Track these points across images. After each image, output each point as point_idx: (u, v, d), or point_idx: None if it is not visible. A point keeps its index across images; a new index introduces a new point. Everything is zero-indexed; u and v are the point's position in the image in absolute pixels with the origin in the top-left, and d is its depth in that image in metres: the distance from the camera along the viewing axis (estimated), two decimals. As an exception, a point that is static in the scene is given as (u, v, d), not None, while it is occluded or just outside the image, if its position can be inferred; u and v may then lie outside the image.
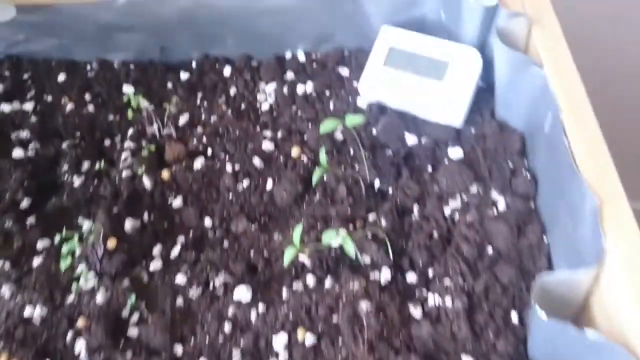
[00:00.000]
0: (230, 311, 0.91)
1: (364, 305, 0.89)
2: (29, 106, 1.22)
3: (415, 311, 0.90)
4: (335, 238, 0.88)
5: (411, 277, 0.95)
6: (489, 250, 0.95)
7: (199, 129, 1.17)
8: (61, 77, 1.27)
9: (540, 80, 0.96)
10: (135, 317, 0.92)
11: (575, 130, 0.88)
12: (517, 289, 0.91)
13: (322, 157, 0.98)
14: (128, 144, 1.15)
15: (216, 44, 1.26)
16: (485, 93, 1.13)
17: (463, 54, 1.08)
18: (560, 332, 0.74)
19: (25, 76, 1.27)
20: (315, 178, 0.99)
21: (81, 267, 0.96)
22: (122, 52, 1.27)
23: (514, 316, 0.89)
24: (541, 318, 0.73)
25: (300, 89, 1.21)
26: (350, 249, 0.88)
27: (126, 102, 1.16)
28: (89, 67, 1.29)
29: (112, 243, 1.00)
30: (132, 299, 0.92)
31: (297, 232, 0.88)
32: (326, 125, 0.97)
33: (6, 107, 1.21)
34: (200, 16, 1.19)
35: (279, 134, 1.14)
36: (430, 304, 0.91)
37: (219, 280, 0.95)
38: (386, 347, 0.85)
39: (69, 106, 1.23)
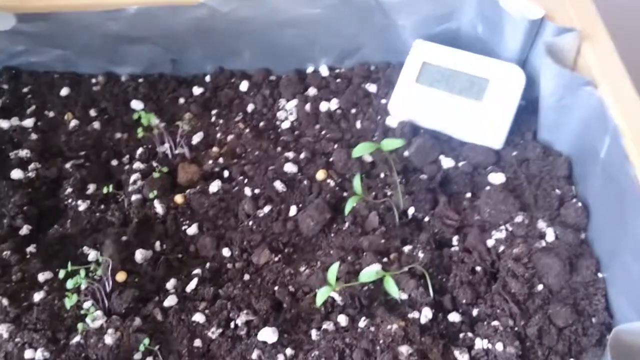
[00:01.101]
0: (255, 355, 0.82)
1: (404, 350, 0.80)
2: (29, 122, 1.13)
3: (461, 357, 0.81)
4: (374, 277, 0.79)
5: (454, 317, 0.86)
6: (539, 287, 0.86)
7: (215, 149, 1.08)
8: (64, 91, 1.17)
9: (594, 101, 0.88)
10: (148, 361, 0.83)
11: (638, 156, 0.80)
12: (574, 332, 0.83)
13: (357, 184, 0.89)
14: (137, 165, 1.06)
15: (232, 57, 1.17)
16: (524, 112, 1.05)
17: (504, 72, 1.00)
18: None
19: (25, 90, 1.18)
20: (348, 207, 0.90)
21: (87, 304, 0.87)
22: (130, 64, 1.18)
23: (572, 363, 0.80)
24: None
25: (323, 106, 1.13)
26: (393, 291, 0.79)
27: (135, 120, 1.07)
28: (94, 80, 1.19)
29: (121, 276, 0.91)
30: (145, 342, 0.82)
31: (333, 270, 0.79)
32: (360, 149, 0.88)
33: (4, 124, 1.12)
34: (215, 27, 1.10)
35: (302, 155, 1.05)
36: (478, 349, 0.82)
37: (240, 319, 0.85)
38: (432, 399, 0.76)
39: (73, 123, 1.13)
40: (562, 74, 0.90)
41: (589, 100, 0.89)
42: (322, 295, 0.80)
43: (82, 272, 0.84)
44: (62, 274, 0.85)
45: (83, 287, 0.87)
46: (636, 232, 0.77)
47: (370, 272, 0.79)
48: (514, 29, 0.98)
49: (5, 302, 0.88)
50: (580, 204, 0.92)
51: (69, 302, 0.83)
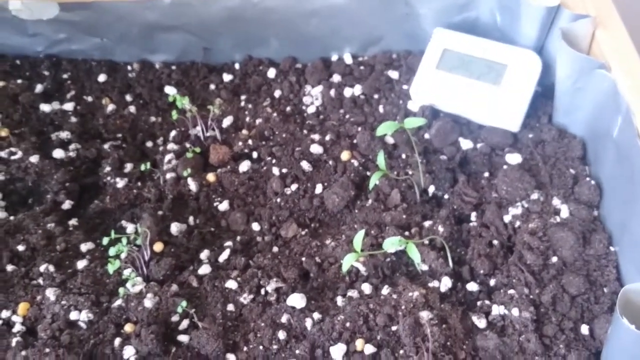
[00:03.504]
0: (284, 318, 0.87)
1: (425, 315, 0.84)
2: (69, 106, 1.20)
3: (479, 322, 0.86)
4: (398, 245, 0.84)
5: (472, 287, 0.91)
6: (554, 259, 0.91)
7: (244, 132, 1.14)
8: (102, 78, 1.24)
9: (607, 84, 0.92)
10: (185, 323, 0.88)
11: (648, 134, 0.85)
12: (586, 300, 0.87)
13: (381, 160, 0.94)
14: (171, 146, 1.12)
15: (260, 45, 1.23)
16: (541, 97, 1.10)
17: (521, 57, 1.05)
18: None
19: (65, 76, 1.25)
20: (372, 182, 0.96)
21: (127, 271, 0.93)
22: (164, 52, 1.25)
23: (584, 328, 0.85)
24: (627, 329, 0.69)
25: (347, 92, 1.18)
26: (416, 256, 0.84)
27: (169, 104, 1.13)
28: (129, 67, 1.26)
29: (158, 246, 0.97)
30: (182, 304, 0.88)
31: (358, 237, 0.84)
32: (383, 128, 0.94)
33: (46, 107, 1.19)
34: (245, 16, 1.16)
35: (327, 138, 1.10)
36: (495, 314, 0.86)
37: (270, 286, 0.91)
38: (451, 359, 0.81)
39: (110, 107, 1.20)
40: (577, 57, 0.95)
41: (603, 82, 0.93)
42: (347, 261, 0.85)
43: (124, 240, 0.90)
44: (105, 241, 0.91)
45: (123, 255, 0.93)
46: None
47: (393, 240, 0.84)
48: (531, 16, 1.02)
49: (51, 268, 0.94)
50: (593, 182, 0.97)
51: (112, 267, 0.89)
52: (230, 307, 0.90)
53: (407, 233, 0.96)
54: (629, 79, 0.90)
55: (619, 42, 0.95)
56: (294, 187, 1.04)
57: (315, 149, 1.08)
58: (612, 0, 1.01)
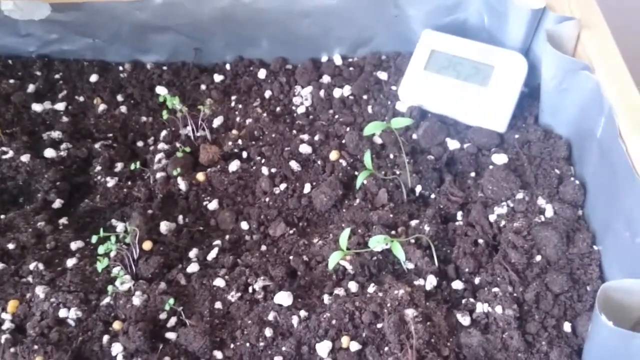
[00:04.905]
0: (271, 316, 0.88)
1: (410, 312, 0.85)
2: (60, 106, 1.21)
3: (463, 319, 0.87)
4: (383, 243, 0.85)
5: (457, 285, 0.92)
6: (538, 258, 0.92)
7: (234, 132, 1.15)
8: (93, 78, 1.25)
9: (591, 85, 0.93)
10: (172, 320, 0.89)
11: (631, 134, 0.86)
12: (569, 298, 0.88)
13: (368, 159, 0.96)
14: (161, 145, 1.13)
15: (251, 46, 1.25)
16: (527, 98, 1.11)
17: (508, 59, 1.06)
18: (624, 342, 0.70)
19: (57, 76, 1.26)
20: (359, 181, 0.97)
21: (116, 270, 0.94)
22: (155, 53, 1.26)
23: (567, 326, 0.86)
24: (606, 326, 0.70)
25: (337, 92, 1.19)
26: (401, 255, 0.85)
27: (160, 104, 1.14)
28: (121, 68, 1.27)
29: (147, 245, 0.97)
30: (170, 302, 0.89)
31: (344, 235, 0.85)
32: (371, 127, 0.95)
33: (38, 107, 1.20)
34: (236, 17, 1.17)
35: (316, 138, 1.12)
36: (479, 312, 0.87)
37: (258, 284, 0.92)
38: (435, 356, 0.82)
39: (101, 107, 1.21)
40: (561, 59, 0.96)
41: (587, 83, 0.95)
42: (333, 259, 0.86)
43: (113, 239, 0.91)
44: (94, 239, 0.92)
45: (112, 254, 0.94)
46: (627, 202, 0.83)
47: (379, 238, 0.85)
48: (518, 18, 1.04)
49: (41, 266, 0.95)
50: (578, 182, 0.98)
51: (101, 265, 0.90)
52: (218, 304, 0.91)
53: (393, 232, 0.97)
54: (612, 80, 0.91)
55: (603, 44, 0.97)
56: (282, 186, 1.05)
57: (304, 148, 1.10)
58: (596, 3, 1.02)
